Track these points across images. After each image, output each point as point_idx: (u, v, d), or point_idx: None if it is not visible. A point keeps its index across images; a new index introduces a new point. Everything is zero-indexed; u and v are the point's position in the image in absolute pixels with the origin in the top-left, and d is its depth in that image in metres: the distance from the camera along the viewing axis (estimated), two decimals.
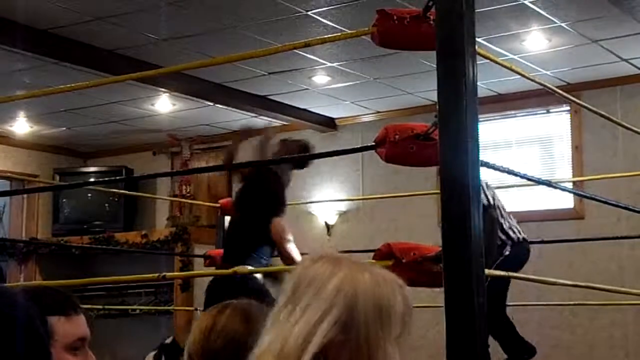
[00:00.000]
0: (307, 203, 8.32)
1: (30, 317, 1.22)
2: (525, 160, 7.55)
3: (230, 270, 4.57)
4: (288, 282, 1.32)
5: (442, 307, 2.01)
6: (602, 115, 3.50)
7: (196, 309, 6.98)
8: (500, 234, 5.13)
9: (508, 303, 6.41)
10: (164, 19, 5.68)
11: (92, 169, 9.70)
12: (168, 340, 5.72)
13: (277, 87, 7.42)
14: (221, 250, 6.12)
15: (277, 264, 5.09)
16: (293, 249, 4.93)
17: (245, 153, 5.39)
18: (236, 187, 5.21)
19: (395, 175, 7.57)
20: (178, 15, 5.67)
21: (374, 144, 2.56)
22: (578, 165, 7.27)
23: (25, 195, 9.55)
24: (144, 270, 6.00)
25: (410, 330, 1.39)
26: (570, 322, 6.95)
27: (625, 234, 6.41)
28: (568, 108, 7.38)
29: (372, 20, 2.56)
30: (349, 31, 3.82)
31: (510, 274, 2.49)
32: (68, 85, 3.90)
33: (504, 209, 5.27)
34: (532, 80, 3.12)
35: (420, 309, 6.73)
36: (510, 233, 5.20)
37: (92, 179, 9.10)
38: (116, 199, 9.28)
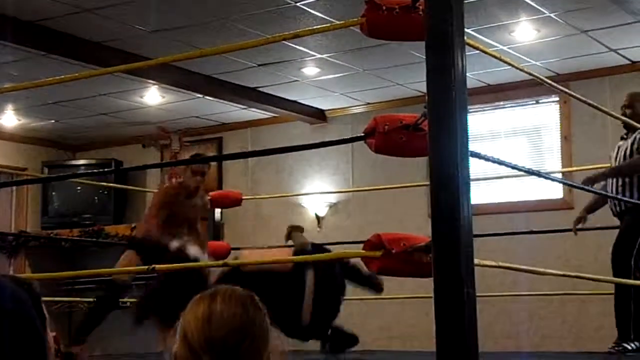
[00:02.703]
0: (297, 195, 8.32)
1: (20, 303, 1.22)
2: (515, 150, 7.57)
3: (220, 262, 4.57)
4: None
5: (431, 297, 2.01)
6: (591, 105, 3.51)
7: None
8: None
9: (502, 293, 6.45)
10: (152, 10, 5.66)
11: (81, 161, 9.66)
12: None
13: (266, 79, 7.40)
14: (212, 242, 6.13)
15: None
16: None
17: None
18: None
19: (386, 167, 7.57)
20: (166, 7, 5.64)
21: (363, 134, 2.56)
22: (567, 156, 7.28)
23: (14, 188, 9.51)
24: None
25: None
26: (560, 312, 6.98)
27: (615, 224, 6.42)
28: (557, 99, 7.39)
29: (361, 11, 2.56)
30: (338, 22, 3.81)
31: (500, 263, 2.49)
32: (56, 78, 3.88)
33: None
34: (522, 70, 3.12)
35: (410, 299, 6.75)
36: None
37: (81, 172, 9.08)
38: (106, 192, 9.26)
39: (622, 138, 5.30)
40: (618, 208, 5.14)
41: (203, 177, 5.73)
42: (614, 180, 5.11)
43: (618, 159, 5.19)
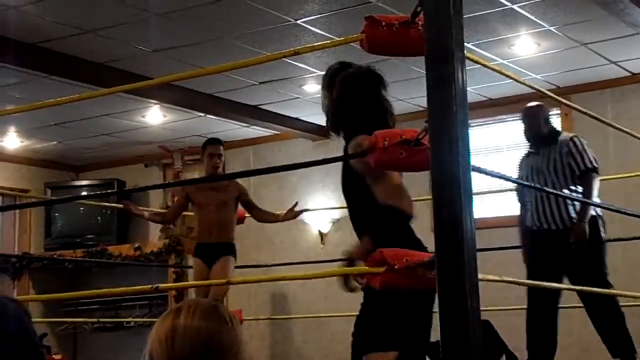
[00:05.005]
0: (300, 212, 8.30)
1: (22, 323, 1.22)
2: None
3: (223, 281, 4.56)
4: None
5: (436, 312, 2.00)
6: (592, 117, 3.51)
7: None
8: None
9: (506, 307, 6.42)
10: (153, 30, 5.68)
11: (84, 182, 9.67)
12: None
13: (267, 97, 7.42)
14: None
15: None
16: None
17: None
18: None
19: None
20: (167, 27, 5.66)
21: (364, 150, 2.57)
22: None
23: (17, 210, 9.51)
24: (137, 283, 5.99)
25: None
26: (565, 325, 6.94)
27: (618, 236, 6.40)
28: (558, 112, 7.39)
29: (361, 27, 2.57)
30: (338, 39, 3.83)
31: (504, 278, 2.49)
32: (58, 99, 3.89)
33: None
34: (523, 83, 3.12)
35: None
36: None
37: (84, 193, 9.08)
38: (109, 212, 9.25)
39: (531, 154, 5.33)
40: (553, 226, 5.13)
41: (220, 158, 6.06)
42: (548, 197, 5.07)
43: (538, 171, 5.14)
